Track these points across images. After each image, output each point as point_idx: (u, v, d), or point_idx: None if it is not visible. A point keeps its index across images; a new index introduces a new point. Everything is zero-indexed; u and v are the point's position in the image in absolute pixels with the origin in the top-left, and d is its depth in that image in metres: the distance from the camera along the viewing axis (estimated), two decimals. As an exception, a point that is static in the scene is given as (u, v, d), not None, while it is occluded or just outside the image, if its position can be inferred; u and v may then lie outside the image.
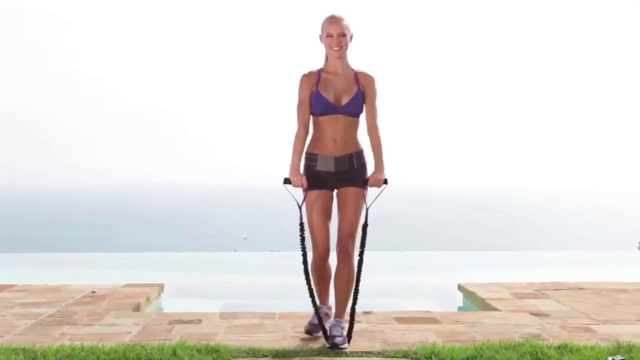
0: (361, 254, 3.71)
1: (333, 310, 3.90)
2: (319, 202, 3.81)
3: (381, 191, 3.76)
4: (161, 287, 5.84)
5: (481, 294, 5.40)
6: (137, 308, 4.97)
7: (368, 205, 3.78)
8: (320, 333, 3.78)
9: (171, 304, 5.73)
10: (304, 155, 3.84)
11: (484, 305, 5.15)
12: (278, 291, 6.51)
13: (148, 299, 5.35)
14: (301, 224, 3.77)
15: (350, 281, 3.74)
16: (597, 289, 5.62)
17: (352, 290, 3.73)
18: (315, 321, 3.89)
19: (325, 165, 3.80)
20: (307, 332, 3.93)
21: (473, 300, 5.50)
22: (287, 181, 3.78)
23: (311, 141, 3.87)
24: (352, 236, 3.76)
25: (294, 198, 3.78)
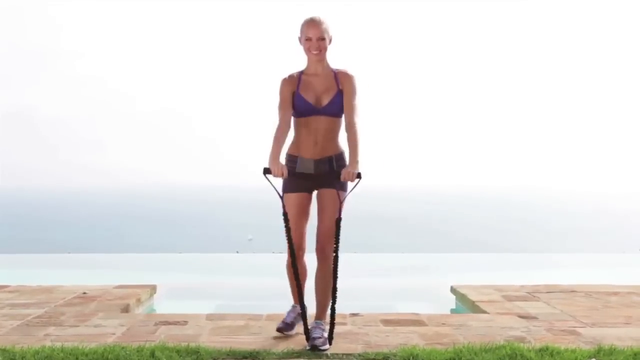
0: (335, 250, 3.67)
1: (311, 311, 3.90)
2: (296, 205, 3.83)
3: (354, 185, 3.70)
4: (153, 288, 5.84)
5: (472, 296, 5.37)
6: (126, 309, 4.97)
7: (342, 199, 3.73)
8: (293, 332, 3.91)
9: (163, 306, 5.72)
10: (284, 156, 3.81)
11: (474, 308, 5.13)
12: (272, 293, 6.45)
13: (138, 300, 5.35)
14: (285, 214, 3.73)
15: (329, 283, 3.72)
16: (589, 291, 5.58)
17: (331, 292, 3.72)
18: (289, 320, 3.95)
19: (304, 168, 3.80)
20: (279, 329, 3.93)
21: (464, 302, 5.48)
22: (267, 171, 3.66)
23: (292, 143, 3.86)
24: (331, 238, 3.73)
25: (274, 188, 3.73)
